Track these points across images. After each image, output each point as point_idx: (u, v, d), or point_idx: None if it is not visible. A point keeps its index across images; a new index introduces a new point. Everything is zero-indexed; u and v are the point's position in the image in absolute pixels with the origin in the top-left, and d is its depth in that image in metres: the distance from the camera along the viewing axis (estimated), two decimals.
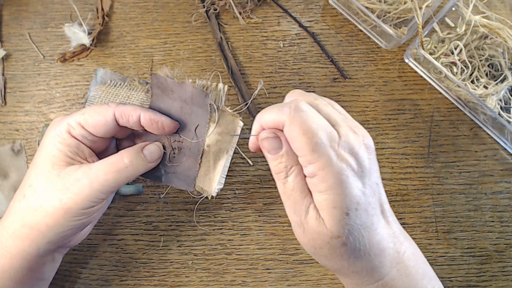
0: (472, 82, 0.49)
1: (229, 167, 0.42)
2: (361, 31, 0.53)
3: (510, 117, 0.48)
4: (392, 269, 0.32)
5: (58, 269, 0.40)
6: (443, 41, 0.51)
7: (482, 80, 0.49)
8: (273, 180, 0.47)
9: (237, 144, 0.48)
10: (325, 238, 0.31)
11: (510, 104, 0.49)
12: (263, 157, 0.48)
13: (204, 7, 0.53)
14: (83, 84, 0.51)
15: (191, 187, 0.41)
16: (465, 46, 0.49)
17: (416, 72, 0.51)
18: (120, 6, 0.54)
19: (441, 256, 0.46)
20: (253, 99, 0.50)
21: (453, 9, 0.51)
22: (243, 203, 0.47)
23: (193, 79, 0.39)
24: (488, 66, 0.50)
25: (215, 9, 0.53)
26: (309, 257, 0.46)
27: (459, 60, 0.49)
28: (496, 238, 0.47)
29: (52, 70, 0.52)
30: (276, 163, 0.33)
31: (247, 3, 0.53)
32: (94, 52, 0.52)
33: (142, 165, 0.37)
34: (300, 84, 0.51)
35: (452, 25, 0.52)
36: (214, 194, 0.41)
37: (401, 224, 0.35)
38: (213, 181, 0.40)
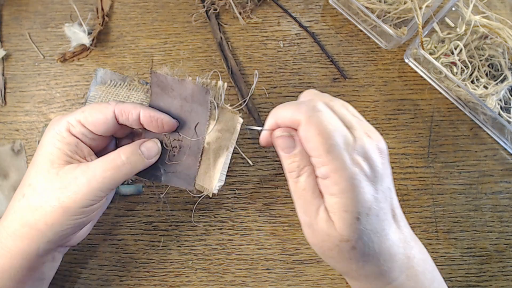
0: (472, 82, 0.49)
1: (229, 167, 0.42)
2: (361, 31, 0.53)
3: (510, 117, 0.48)
4: (401, 274, 0.32)
5: (58, 269, 0.40)
6: (443, 41, 0.51)
7: (482, 80, 0.49)
8: (273, 180, 0.48)
9: (237, 144, 0.48)
10: (334, 240, 0.31)
11: (510, 104, 0.49)
12: (263, 157, 0.49)
13: (204, 7, 0.53)
14: (83, 84, 0.51)
15: (191, 186, 0.41)
16: (465, 46, 0.49)
17: (416, 72, 0.51)
18: (120, 6, 0.54)
19: (441, 256, 0.46)
20: (253, 99, 0.50)
21: (453, 9, 0.51)
22: (243, 203, 0.47)
23: (193, 77, 0.39)
24: (488, 66, 0.50)
25: (215, 9, 0.53)
26: (309, 257, 0.46)
27: (459, 60, 0.49)
28: (496, 238, 0.47)
29: (52, 70, 0.52)
30: (289, 162, 0.33)
31: (247, 3, 0.53)
32: (94, 52, 0.52)
33: (139, 161, 0.37)
34: (300, 84, 0.51)
35: (452, 25, 0.52)
36: (215, 191, 0.41)
37: None
38: (213, 178, 0.40)
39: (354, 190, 0.30)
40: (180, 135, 0.40)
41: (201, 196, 0.42)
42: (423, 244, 0.47)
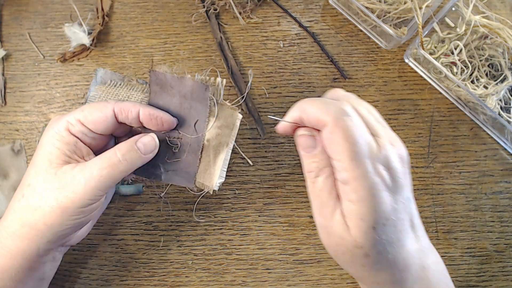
0: (472, 82, 0.49)
1: (229, 167, 0.42)
2: (361, 31, 0.53)
3: (510, 117, 0.48)
4: (415, 285, 0.32)
5: (58, 269, 0.40)
6: (443, 41, 0.51)
7: (482, 80, 0.49)
8: (273, 180, 0.48)
9: (237, 144, 0.48)
10: (348, 245, 0.30)
11: (510, 104, 0.49)
12: (263, 157, 0.49)
13: (204, 7, 0.53)
14: (83, 84, 0.51)
15: (191, 184, 0.41)
16: (465, 46, 0.49)
17: (416, 72, 0.51)
18: (120, 6, 0.54)
19: (441, 256, 0.46)
20: (253, 99, 0.50)
21: (453, 9, 0.51)
22: (243, 203, 0.47)
23: (192, 75, 0.39)
24: (488, 66, 0.50)
25: (215, 9, 0.53)
26: (309, 257, 0.46)
27: (459, 60, 0.49)
28: (496, 238, 0.47)
29: (52, 70, 0.52)
30: (308, 162, 0.32)
31: (247, 3, 0.53)
32: (94, 52, 0.52)
33: (136, 158, 0.36)
34: (300, 84, 0.51)
35: (452, 25, 0.52)
36: (216, 188, 0.40)
37: None
38: (213, 175, 0.40)
39: (373, 200, 0.29)
40: (179, 133, 0.40)
41: (202, 194, 0.42)
42: None
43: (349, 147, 0.29)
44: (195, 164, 0.40)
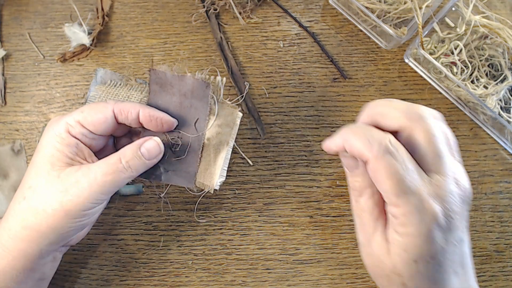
0: (472, 82, 0.49)
1: (229, 167, 0.42)
2: (361, 31, 0.53)
3: (510, 117, 0.48)
4: None
5: (58, 269, 0.40)
6: (443, 41, 0.51)
7: (482, 80, 0.49)
8: (273, 180, 0.48)
9: (237, 144, 0.48)
10: (386, 269, 0.30)
11: (510, 104, 0.49)
12: (263, 157, 0.49)
13: (204, 7, 0.53)
14: (83, 84, 0.51)
15: (191, 184, 0.40)
16: (465, 46, 0.49)
17: (416, 72, 0.51)
18: (120, 6, 0.54)
19: None
20: (253, 99, 0.50)
21: (453, 9, 0.51)
22: (243, 203, 0.47)
23: (192, 74, 0.39)
24: (488, 66, 0.50)
25: (215, 9, 0.53)
26: (309, 257, 0.46)
27: (459, 60, 0.49)
28: (496, 238, 0.47)
29: (52, 70, 0.52)
30: (352, 180, 0.32)
31: (247, 3, 0.53)
32: (94, 52, 0.52)
33: (140, 165, 0.36)
34: (300, 84, 0.51)
35: (452, 25, 0.52)
36: (217, 188, 0.40)
37: None
38: (214, 174, 0.40)
39: (421, 237, 0.28)
40: (179, 133, 0.40)
41: (202, 194, 0.42)
42: None
43: (393, 185, 0.28)
44: (196, 164, 0.40)
